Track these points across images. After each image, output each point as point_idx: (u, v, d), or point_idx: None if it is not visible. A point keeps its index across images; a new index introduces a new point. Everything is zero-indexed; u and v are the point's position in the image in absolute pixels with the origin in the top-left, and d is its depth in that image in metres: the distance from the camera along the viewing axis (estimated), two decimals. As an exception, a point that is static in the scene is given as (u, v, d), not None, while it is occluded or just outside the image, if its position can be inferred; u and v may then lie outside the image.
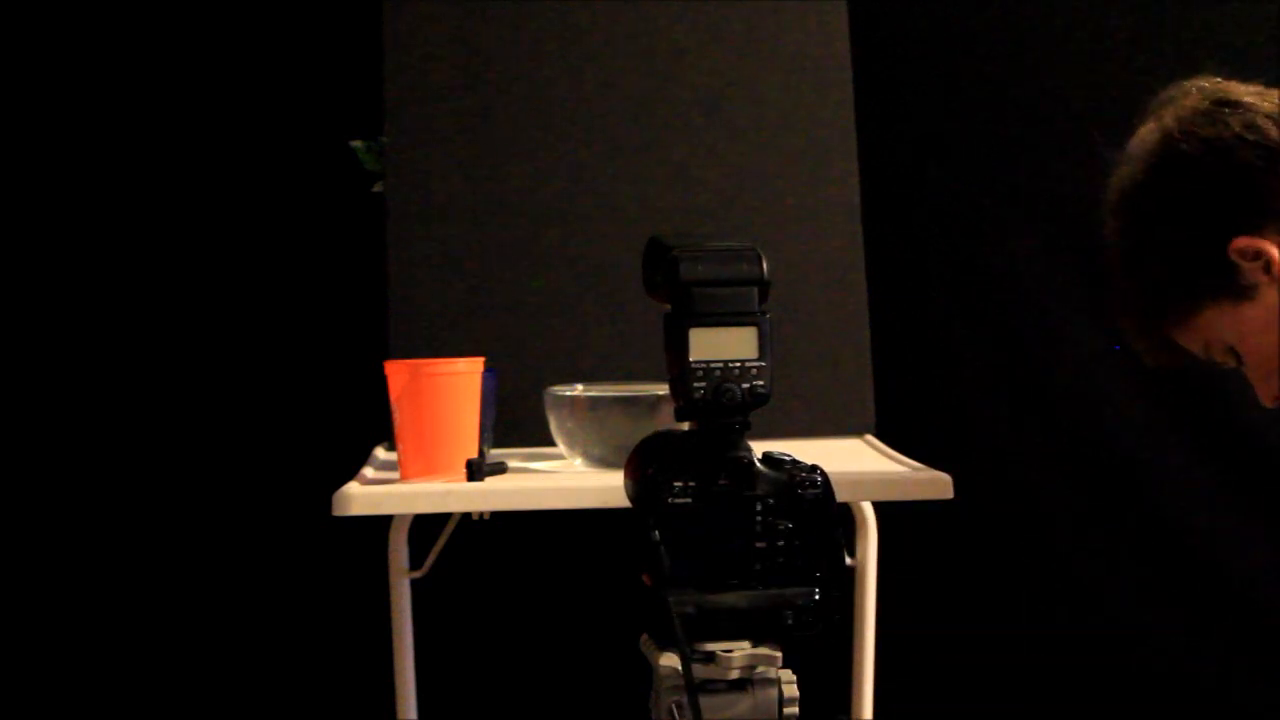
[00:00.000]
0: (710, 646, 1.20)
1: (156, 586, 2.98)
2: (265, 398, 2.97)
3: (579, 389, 2.14)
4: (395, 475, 2.07)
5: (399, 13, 2.52)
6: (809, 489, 1.21)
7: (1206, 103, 1.70)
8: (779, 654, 1.20)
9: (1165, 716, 2.94)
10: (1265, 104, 1.68)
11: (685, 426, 1.24)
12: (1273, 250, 1.65)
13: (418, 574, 2.36)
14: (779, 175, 2.52)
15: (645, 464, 1.22)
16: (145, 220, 2.98)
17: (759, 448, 1.24)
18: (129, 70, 2.97)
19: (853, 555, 2.32)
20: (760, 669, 1.20)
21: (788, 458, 1.25)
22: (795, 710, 1.20)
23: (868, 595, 2.34)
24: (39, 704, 2.99)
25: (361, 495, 1.98)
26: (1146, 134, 1.74)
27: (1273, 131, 1.67)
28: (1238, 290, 1.68)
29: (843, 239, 2.50)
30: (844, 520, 2.31)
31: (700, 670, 1.19)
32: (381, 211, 2.50)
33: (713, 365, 1.21)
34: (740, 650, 1.20)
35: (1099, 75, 2.92)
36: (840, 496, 1.24)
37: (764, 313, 1.23)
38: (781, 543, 1.20)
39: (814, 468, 1.23)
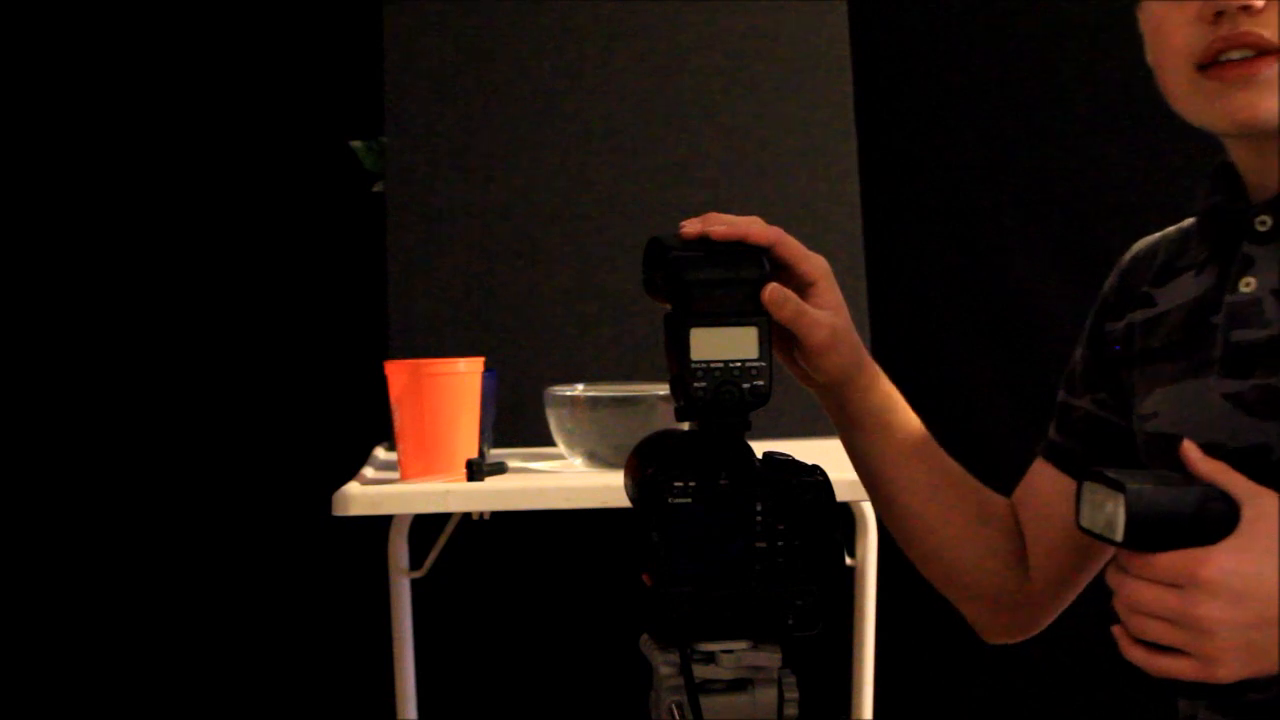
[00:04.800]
0: (710, 646, 1.20)
1: (157, 586, 2.98)
2: (266, 398, 2.98)
3: (579, 389, 2.14)
4: (395, 475, 2.07)
5: (399, 13, 2.52)
6: (809, 489, 1.21)
7: None
8: (779, 654, 1.20)
9: (1166, 716, 2.94)
10: None
11: (685, 426, 1.24)
12: None
13: (418, 574, 2.36)
14: (779, 175, 2.52)
15: (645, 464, 1.22)
16: (146, 220, 2.98)
17: (759, 448, 1.24)
18: (130, 70, 2.97)
19: (853, 555, 2.32)
20: (760, 669, 1.20)
21: (788, 458, 1.25)
22: (795, 710, 1.20)
23: (868, 595, 2.34)
24: (39, 704, 2.99)
25: (361, 495, 1.98)
26: None
27: None
28: None
29: (843, 239, 2.51)
30: (844, 520, 2.31)
31: (700, 670, 1.19)
32: (381, 211, 2.50)
33: (713, 365, 1.20)
34: (740, 650, 1.20)
35: (1099, 75, 2.92)
36: (840, 496, 1.24)
37: (764, 313, 1.23)
38: (781, 543, 1.20)
39: (814, 468, 1.23)
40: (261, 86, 2.97)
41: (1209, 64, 1.28)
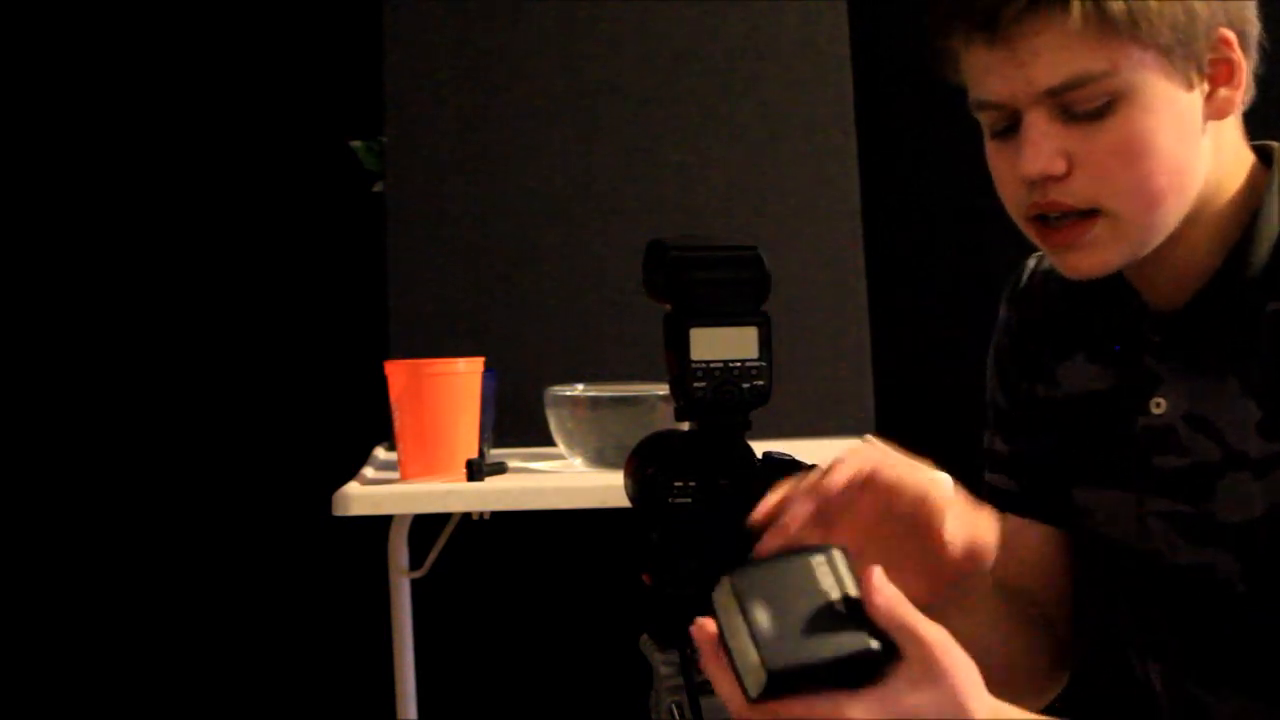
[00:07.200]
0: (710, 646, 1.20)
1: (157, 586, 2.98)
2: (266, 398, 2.98)
3: (579, 389, 2.14)
4: (395, 475, 2.07)
5: (399, 13, 2.52)
6: (809, 489, 1.21)
7: None
8: (779, 654, 1.20)
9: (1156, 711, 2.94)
10: None
11: (685, 426, 1.24)
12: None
13: (418, 574, 2.36)
14: (779, 175, 2.52)
15: (645, 464, 1.22)
16: (147, 220, 2.98)
17: (759, 448, 1.24)
18: (130, 70, 2.97)
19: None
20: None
21: (788, 458, 1.25)
22: (795, 710, 1.20)
23: (868, 595, 2.34)
24: (39, 704, 2.99)
25: (361, 495, 1.98)
26: None
27: None
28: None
29: (843, 239, 2.50)
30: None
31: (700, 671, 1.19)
32: (381, 211, 2.50)
33: (713, 365, 1.20)
34: (740, 650, 1.20)
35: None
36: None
37: (764, 312, 1.23)
38: (781, 543, 1.20)
39: (814, 468, 1.23)
40: (261, 86, 2.97)
41: (1036, 218, 1.31)
